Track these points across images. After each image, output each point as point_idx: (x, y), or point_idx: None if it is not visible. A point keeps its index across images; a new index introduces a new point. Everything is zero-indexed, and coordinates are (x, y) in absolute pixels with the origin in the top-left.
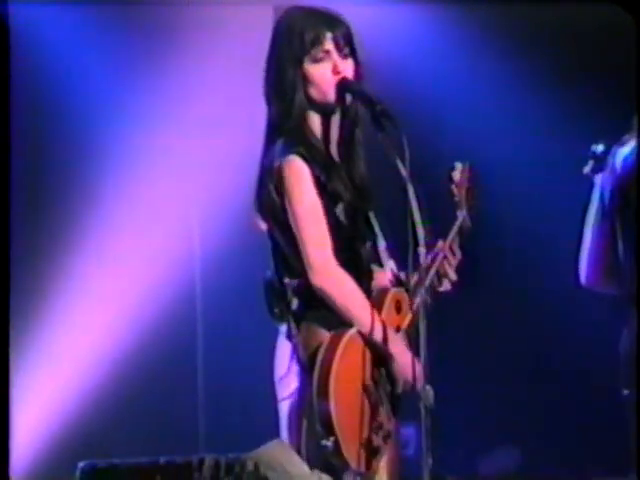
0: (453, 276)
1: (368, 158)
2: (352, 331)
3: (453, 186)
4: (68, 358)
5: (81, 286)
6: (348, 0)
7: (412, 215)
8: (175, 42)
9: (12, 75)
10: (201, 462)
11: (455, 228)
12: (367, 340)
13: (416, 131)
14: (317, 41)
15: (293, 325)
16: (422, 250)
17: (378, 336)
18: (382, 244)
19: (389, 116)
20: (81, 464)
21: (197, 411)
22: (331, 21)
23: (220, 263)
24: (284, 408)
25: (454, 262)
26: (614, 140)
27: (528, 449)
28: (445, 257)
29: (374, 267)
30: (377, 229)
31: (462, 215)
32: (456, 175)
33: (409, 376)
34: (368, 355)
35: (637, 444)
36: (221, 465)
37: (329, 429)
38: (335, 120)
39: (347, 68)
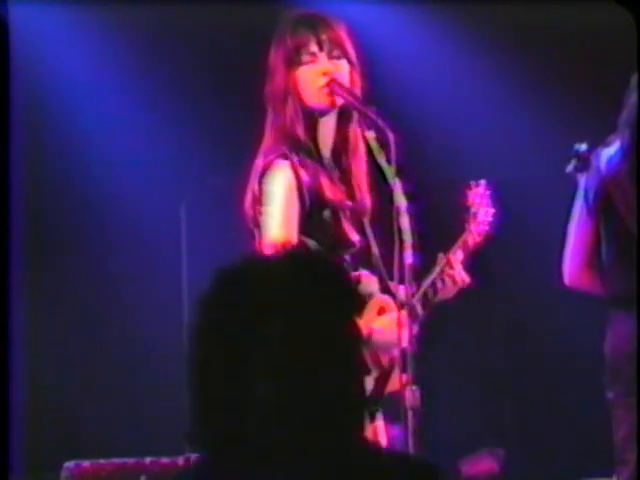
0: (451, 288)
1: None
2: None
3: (468, 201)
4: (53, 358)
5: (70, 291)
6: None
7: (398, 219)
8: (177, 42)
9: (12, 75)
10: (187, 462)
11: (459, 242)
12: None
13: (408, 133)
14: (302, 44)
15: None
16: (409, 256)
17: None
18: (375, 250)
19: (375, 121)
20: (67, 463)
21: (183, 410)
22: (317, 24)
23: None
24: None
25: (455, 275)
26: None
27: (514, 449)
28: (443, 270)
29: (363, 272)
30: (370, 234)
31: (468, 230)
32: (472, 191)
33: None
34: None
35: (637, 443)
36: None
37: None
38: (328, 122)
39: (339, 69)
